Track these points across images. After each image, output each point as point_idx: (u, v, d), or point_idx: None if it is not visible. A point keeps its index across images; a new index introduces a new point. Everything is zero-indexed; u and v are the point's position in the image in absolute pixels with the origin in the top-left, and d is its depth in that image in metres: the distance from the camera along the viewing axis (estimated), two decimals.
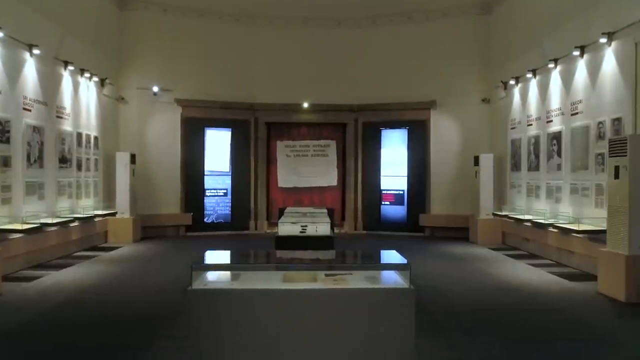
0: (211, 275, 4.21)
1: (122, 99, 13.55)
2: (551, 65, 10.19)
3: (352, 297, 3.82)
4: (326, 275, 4.19)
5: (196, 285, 3.87)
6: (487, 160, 12.70)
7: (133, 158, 12.84)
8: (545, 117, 10.66)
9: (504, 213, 11.87)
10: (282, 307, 3.75)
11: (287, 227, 7.42)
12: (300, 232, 7.22)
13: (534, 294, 7.43)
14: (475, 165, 12.92)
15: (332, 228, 7.68)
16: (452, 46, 13.89)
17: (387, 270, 4.36)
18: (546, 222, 9.71)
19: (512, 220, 11.51)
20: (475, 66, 13.82)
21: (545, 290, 7.65)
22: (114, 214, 12.27)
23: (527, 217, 10.67)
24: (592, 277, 7.95)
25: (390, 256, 4.56)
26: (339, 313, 3.78)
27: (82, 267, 9.26)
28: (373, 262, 4.68)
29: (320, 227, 7.42)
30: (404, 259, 4.11)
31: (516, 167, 12.07)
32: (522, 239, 11.36)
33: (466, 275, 8.88)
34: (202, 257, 4.36)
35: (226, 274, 4.35)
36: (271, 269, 4.37)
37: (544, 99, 10.74)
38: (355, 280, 4.08)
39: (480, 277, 8.71)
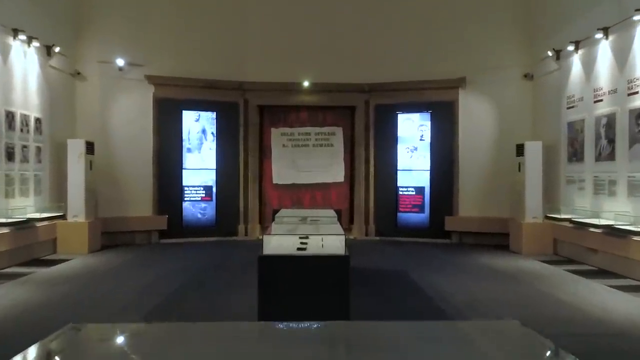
0: None
1: (79, 74, 11.03)
2: (636, 18, 7.59)
3: None
4: None
5: None
6: (533, 150, 10.18)
7: (91, 147, 10.37)
8: (625, 89, 8.05)
9: (563, 216, 9.27)
10: None
11: (277, 241, 4.84)
12: (298, 248, 4.63)
13: None
14: (518, 155, 10.41)
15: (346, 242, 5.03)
16: (485, 10, 11.47)
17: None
18: (638, 229, 7.11)
19: (570, 226, 8.99)
20: (515, 34, 11.41)
21: None
22: (62, 217, 9.72)
23: (602, 222, 8.06)
24: None
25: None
26: None
27: None
28: None
29: (329, 240, 4.83)
30: None
31: (576, 156, 9.48)
32: (584, 250, 8.80)
33: (532, 304, 6.27)
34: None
35: None
36: None
37: (623, 66, 8.12)
38: None
39: (555, 308, 6.07)
